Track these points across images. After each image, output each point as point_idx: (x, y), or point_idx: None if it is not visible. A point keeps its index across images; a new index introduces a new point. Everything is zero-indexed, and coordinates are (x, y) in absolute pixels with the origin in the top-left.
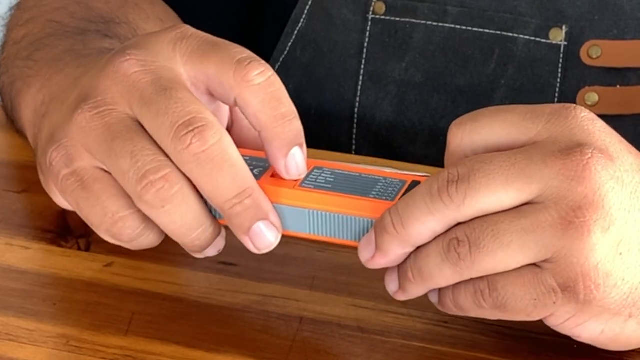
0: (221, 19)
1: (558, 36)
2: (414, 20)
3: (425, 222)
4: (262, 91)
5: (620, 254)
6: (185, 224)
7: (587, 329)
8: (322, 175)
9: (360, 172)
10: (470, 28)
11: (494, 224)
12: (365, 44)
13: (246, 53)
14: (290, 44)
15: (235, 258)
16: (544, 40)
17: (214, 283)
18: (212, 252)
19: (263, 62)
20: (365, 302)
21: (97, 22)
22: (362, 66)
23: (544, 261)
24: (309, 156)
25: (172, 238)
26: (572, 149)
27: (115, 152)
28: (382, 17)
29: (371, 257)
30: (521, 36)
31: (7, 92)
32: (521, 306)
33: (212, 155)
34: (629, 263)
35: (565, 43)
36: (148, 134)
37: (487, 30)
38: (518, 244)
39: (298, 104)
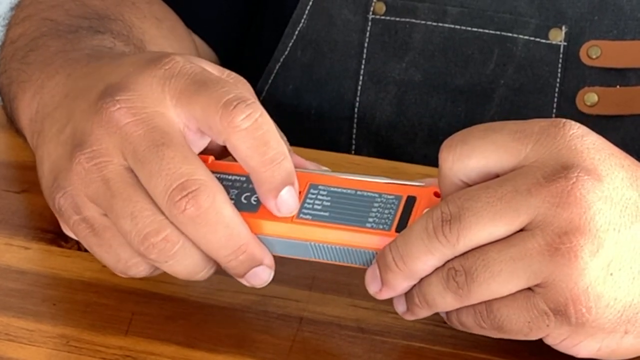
0: (221, 19)
1: (557, 36)
2: (413, 20)
3: (426, 261)
4: (249, 136)
5: (611, 274)
6: (190, 271)
7: (584, 348)
8: (319, 198)
9: (356, 187)
10: (469, 28)
11: (484, 254)
12: (366, 44)
13: (232, 93)
14: (290, 44)
15: None
16: (543, 41)
17: (214, 283)
18: None
19: (250, 101)
20: (365, 302)
21: (91, 19)
22: (362, 66)
23: (536, 285)
24: (309, 156)
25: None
26: (557, 174)
27: (116, 212)
28: (382, 17)
29: (379, 290)
30: (521, 36)
31: (6, 94)
32: (517, 328)
33: (207, 218)
34: (621, 282)
35: (565, 43)
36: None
37: (486, 31)
38: (507, 272)
39: (298, 104)
